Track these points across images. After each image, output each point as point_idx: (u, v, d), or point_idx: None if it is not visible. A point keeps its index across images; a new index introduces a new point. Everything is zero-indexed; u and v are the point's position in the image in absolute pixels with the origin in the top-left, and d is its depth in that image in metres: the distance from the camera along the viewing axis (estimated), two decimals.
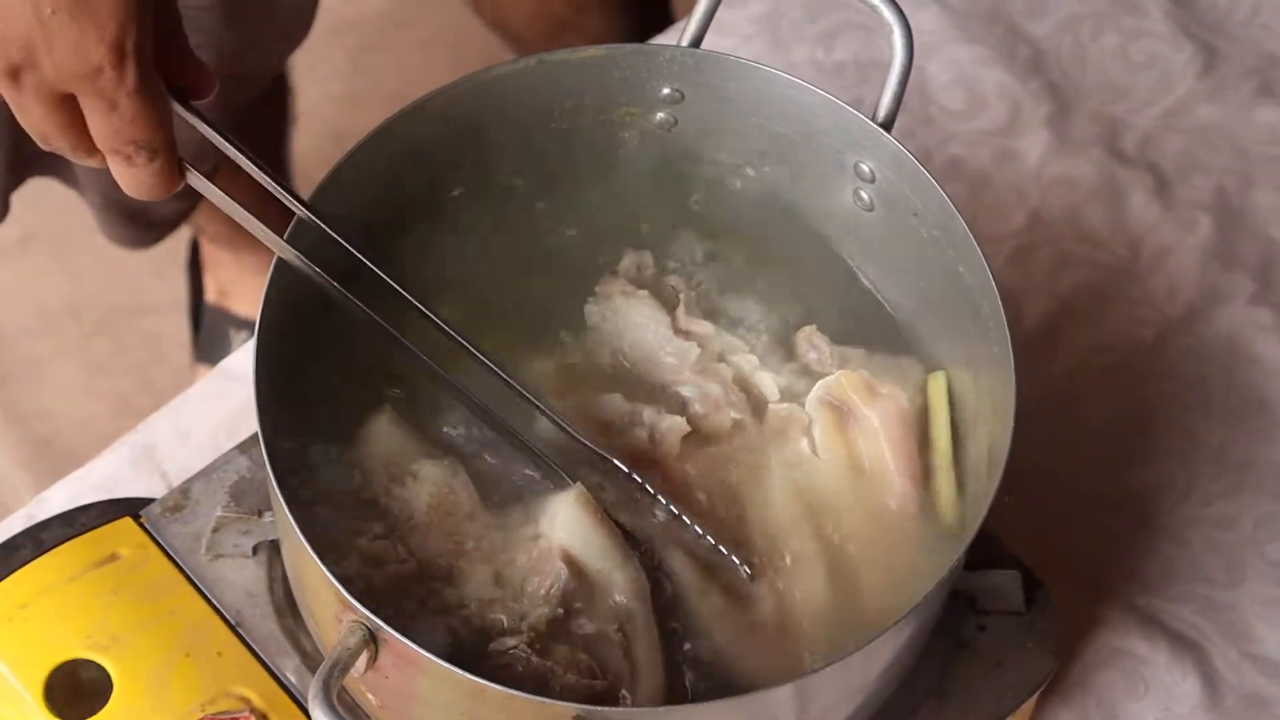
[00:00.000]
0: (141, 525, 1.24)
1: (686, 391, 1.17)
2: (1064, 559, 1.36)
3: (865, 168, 1.18)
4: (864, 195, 1.19)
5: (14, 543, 1.22)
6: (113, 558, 1.22)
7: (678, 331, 1.19)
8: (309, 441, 1.14)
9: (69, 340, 2.26)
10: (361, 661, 1.02)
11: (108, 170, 1.03)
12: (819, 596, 1.11)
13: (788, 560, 1.12)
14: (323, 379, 1.16)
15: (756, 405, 1.18)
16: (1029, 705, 1.23)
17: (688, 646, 1.10)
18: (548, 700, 1.00)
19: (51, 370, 2.24)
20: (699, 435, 1.16)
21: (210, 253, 2.08)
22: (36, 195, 2.00)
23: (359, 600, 1.00)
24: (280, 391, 1.11)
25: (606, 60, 1.19)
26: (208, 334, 2.10)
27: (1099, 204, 1.52)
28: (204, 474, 1.26)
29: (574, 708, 0.99)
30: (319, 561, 1.02)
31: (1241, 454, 1.41)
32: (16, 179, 1.65)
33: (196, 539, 1.23)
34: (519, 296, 1.20)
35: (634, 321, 1.19)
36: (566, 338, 1.19)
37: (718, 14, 1.19)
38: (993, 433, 1.11)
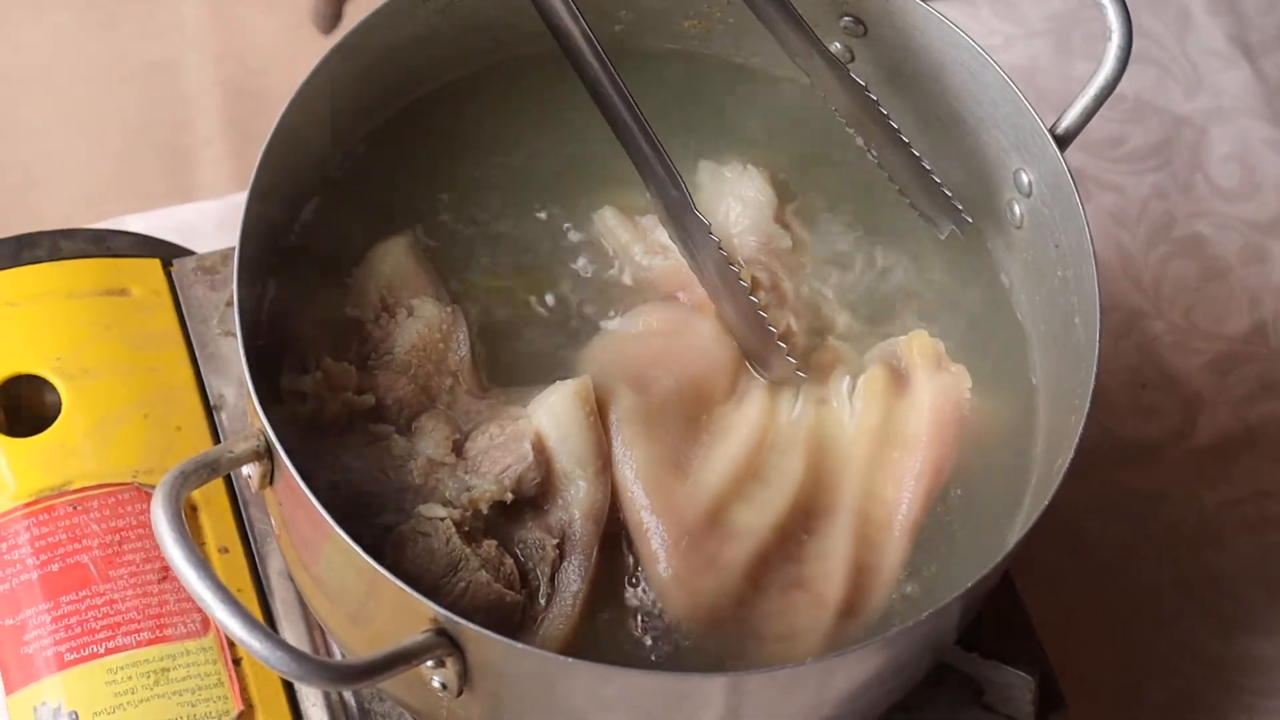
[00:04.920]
0: (168, 273, 1.16)
1: (758, 273, 1.04)
2: (1127, 693, 1.19)
3: (1025, 178, 1.02)
4: (1016, 209, 1.04)
5: (34, 239, 1.15)
6: (123, 292, 1.14)
7: (778, 219, 1.06)
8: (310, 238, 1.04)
9: None
10: (254, 475, 0.92)
11: None
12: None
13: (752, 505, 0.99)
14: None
15: (815, 330, 1.04)
16: None
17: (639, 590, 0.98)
18: (409, 590, 0.88)
19: None
20: None
21: None
22: None
23: (266, 411, 0.91)
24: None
25: None
26: None
27: None
28: None
29: (433, 609, 0.87)
30: (243, 358, 0.92)
31: None
32: None
33: (215, 309, 1.15)
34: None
35: (739, 191, 1.06)
36: None
37: None
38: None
